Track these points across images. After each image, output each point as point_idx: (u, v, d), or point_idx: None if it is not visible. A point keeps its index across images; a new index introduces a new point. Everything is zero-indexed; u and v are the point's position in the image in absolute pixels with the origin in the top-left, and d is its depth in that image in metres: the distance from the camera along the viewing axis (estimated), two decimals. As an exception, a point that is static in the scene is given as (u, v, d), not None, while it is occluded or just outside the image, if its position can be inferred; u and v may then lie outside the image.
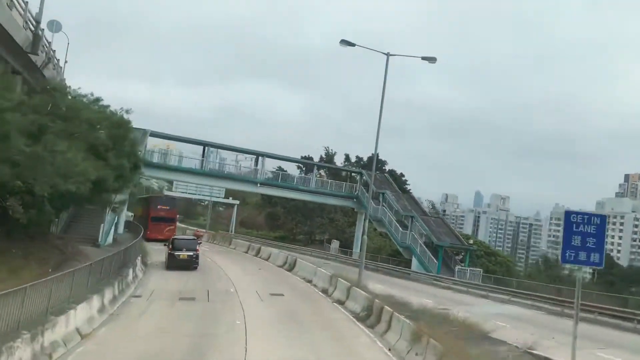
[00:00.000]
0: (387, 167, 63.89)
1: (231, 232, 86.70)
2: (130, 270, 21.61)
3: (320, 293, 22.60)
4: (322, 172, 63.24)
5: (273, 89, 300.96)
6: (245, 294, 20.76)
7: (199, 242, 37.27)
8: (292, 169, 60.38)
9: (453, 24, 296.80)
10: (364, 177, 49.87)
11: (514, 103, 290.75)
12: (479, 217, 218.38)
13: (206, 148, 44.27)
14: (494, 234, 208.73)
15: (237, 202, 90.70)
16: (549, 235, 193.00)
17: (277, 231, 77.06)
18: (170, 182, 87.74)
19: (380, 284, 27.51)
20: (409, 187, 61.06)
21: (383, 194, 44.28)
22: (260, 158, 46.49)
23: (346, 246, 55.57)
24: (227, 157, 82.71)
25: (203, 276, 25.84)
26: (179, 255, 27.24)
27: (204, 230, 68.39)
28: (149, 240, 43.33)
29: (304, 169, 59.16)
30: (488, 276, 35.76)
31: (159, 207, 47.85)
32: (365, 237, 22.02)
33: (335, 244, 56.13)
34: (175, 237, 31.70)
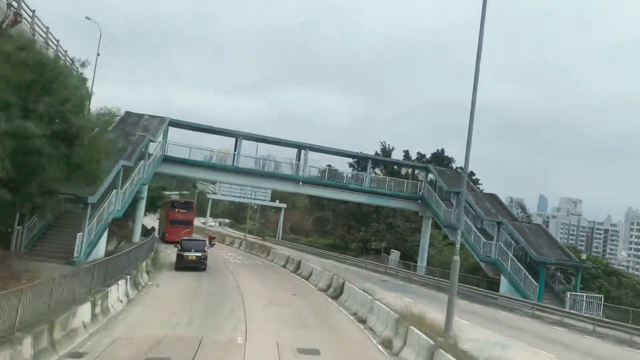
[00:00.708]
0: (454, 165, 54.11)
1: (278, 238, 79.69)
2: (87, 307, 13.90)
3: (380, 348, 14.00)
4: (377, 170, 54.45)
5: (323, 93, 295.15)
6: (257, 350, 12.59)
7: (212, 244, 39.64)
8: (343, 168, 52.07)
9: (516, 24, 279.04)
10: (430, 175, 40.70)
11: (579, 103, 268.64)
12: (547, 222, 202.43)
13: (238, 140, 36.69)
14: (565, 241, 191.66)
15: (284, 205, 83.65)
16: (630, 242, 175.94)
17: (327, 238, 68.96)
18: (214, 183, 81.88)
19: (462, 317, 18.61)
20: (481, 188, 51.02)
21: (458, 193, 34.95)
22: (302, 151, 38.38)
23: (408, 257, 46.44)
24: (276, 153, 75.77)
25: (208, 309, 17.86)
26: (187, 256, 27.20)
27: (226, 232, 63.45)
28: (167, 242, 41.42)
29: (357, 167, 50.40)
30: (613, 307, 25.69)
31: (176, 210, 47.05)
32: (457, 257, 13.20)
33: (395, 255, 47.16)
34: (184, 238, 30.55)
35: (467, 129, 13.66)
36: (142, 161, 29.01)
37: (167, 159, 34.04)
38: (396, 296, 21.20)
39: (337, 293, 22.13)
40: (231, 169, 36.50)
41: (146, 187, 33.29)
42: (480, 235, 32.57)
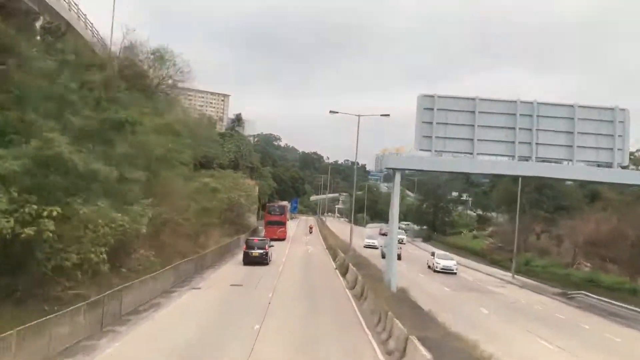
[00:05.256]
0: None
1: None
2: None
3: None
4: None
5: (519, 73, 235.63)
6: None
7: (311, 232, 66.16)
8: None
9: None
10: None
11: None
12: None
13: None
14: None
15: None
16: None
17: None
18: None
19: None
20: None
21: None
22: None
23: None
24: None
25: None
26: (252, 252, 32.85)
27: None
28: None
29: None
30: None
31: (271, 213, 54.79)
32: None
33: None
34: (248, 238, 38.14)
35: None
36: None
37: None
38: None
39: None
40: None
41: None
42: None
